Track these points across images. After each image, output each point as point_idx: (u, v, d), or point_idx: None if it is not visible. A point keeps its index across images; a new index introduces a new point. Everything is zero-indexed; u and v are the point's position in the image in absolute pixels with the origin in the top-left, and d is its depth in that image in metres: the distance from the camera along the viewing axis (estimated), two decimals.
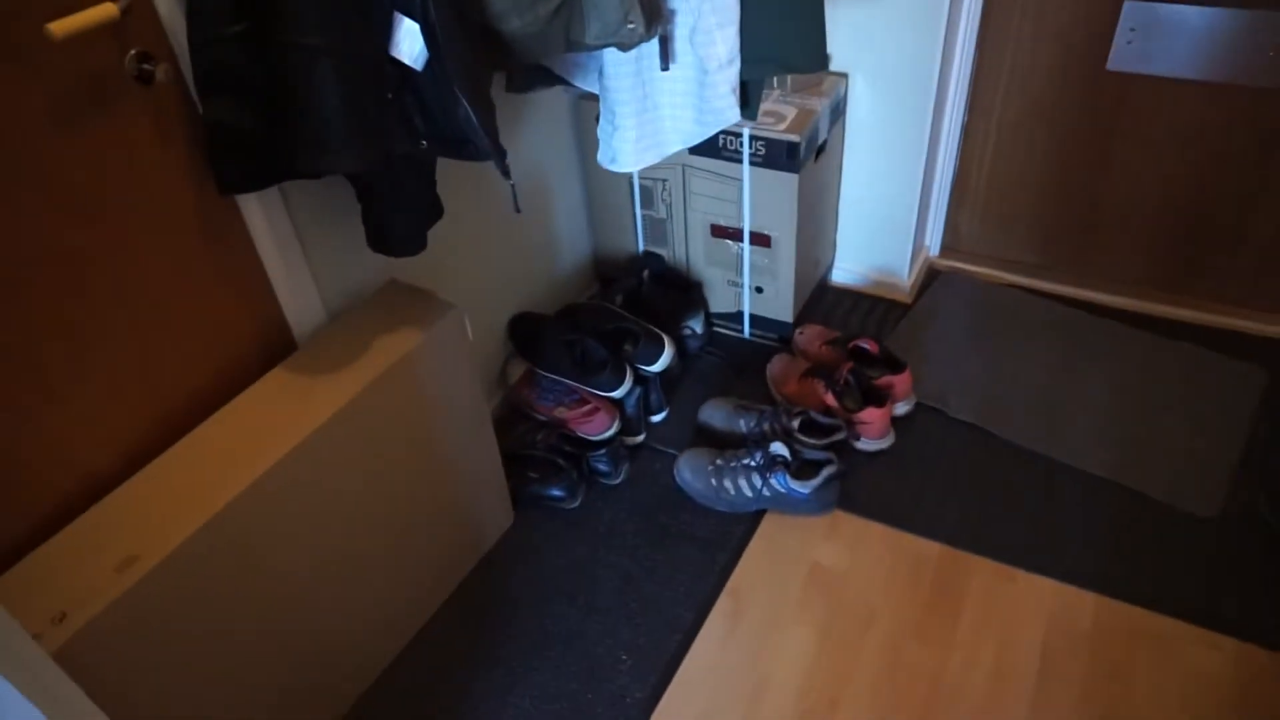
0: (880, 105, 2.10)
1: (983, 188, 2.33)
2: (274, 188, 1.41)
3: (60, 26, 1.06)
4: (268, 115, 1.24)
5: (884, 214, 2.28)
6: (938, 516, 1.87)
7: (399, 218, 1.42)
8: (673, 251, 2.28)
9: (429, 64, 1.24)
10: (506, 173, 1.32)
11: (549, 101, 2.08)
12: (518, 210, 1.45)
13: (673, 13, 1.47)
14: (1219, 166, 2.05)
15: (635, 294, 2.25)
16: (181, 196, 1.31)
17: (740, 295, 2.26)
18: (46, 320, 1.19)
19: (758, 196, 2.03)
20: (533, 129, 2.04)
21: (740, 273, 2.21)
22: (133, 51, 1.20)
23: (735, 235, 2.14)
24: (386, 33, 1.22)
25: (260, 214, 1.41)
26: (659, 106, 1.59)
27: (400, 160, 1.34)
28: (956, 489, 1.92)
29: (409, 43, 1.22)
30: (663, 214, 2.22)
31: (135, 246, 1.27)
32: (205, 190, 1.34)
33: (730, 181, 2.04)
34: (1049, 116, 2.14)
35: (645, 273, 2.27)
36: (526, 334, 2.12)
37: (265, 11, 1.16)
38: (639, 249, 2.33)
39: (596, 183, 2.27)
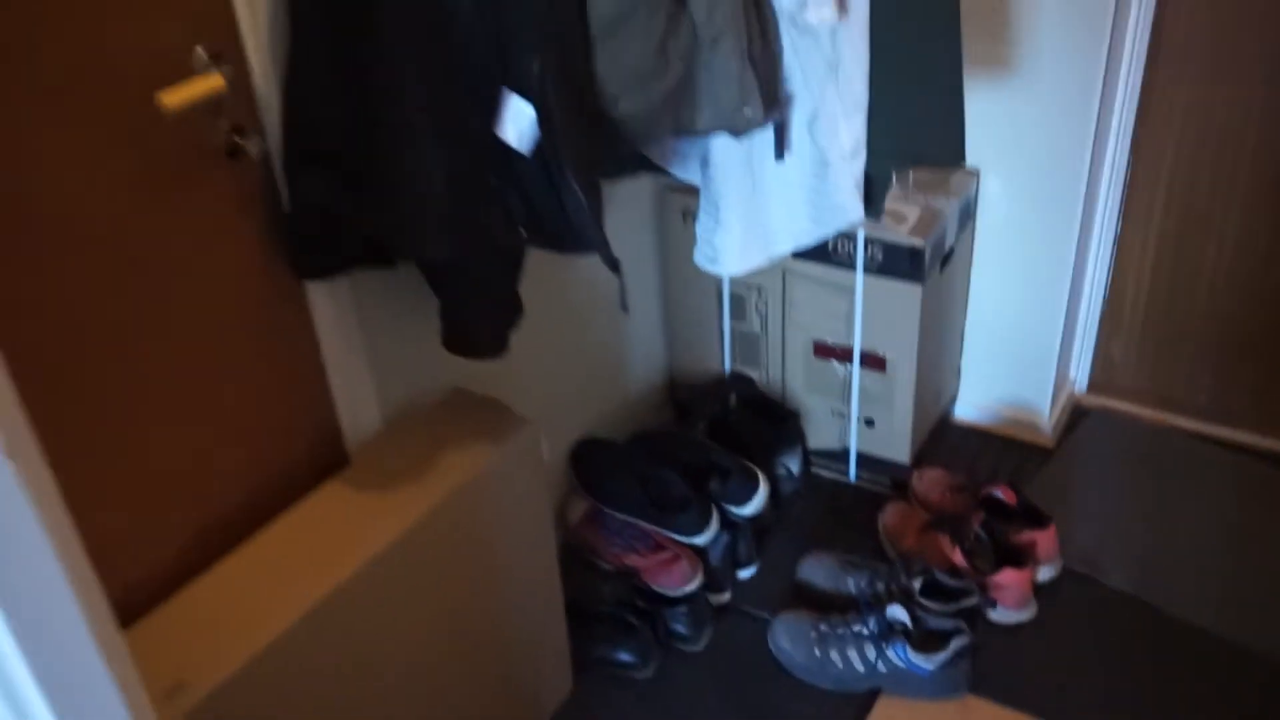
0: (1018, 208, 2.34)
1: (1140, 311, 2.54)
2: (345, 276, 1.66)
3: (172, 98, 1.33)
4: (358, 196, 1.49)
5: (1021, 338, 2.48)
6: (1088, 707, 1.97)
7: (482, 315, 1.64)
8: (766, 374, 2.49)
9: (537, 148, 1.49)
10: (615, 266, 1.56)
11: (628, 192, 2.34)
12: (625, 309, 1.67)
13: (791, 97, 1.74)
14: None
15: (720, 423, 2.45)
16: (250, 280, 1.55)
17: (846, 429, 2.45)
18: (91, 401, 1.41)
19: (872, 310, 2.25)
20: (607, 222, 2.29)
21: (847, 401, 2.41)
22: (226, 124, 1.47)
23: (843, 356, 2.35)
24: (493, 112, 1.48)
25: (328, 303, 1.64)
26: (769, 201, 1.84)
27: (492, 251, 1.58)
28: (1111, 674, 2.03)
29: (518, 124, 1.48)
30: (756, 328, 2.44)
31: (193, 326, 1.50)
32: (275, 275, 1.58)
33: (840, 291, 2.27)
34: (1218, 228, 2.37)
35: (732, 398, 2.47)
36: (591, 464, 2.31)
37: (366, 86, 1.43)
38: (725, 369, 2.55)
39: (678, 288, 2.51)
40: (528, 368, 2.14)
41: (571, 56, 1.44)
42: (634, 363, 2.50)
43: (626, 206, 2.35)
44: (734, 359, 2.52)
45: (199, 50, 1.40)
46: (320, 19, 1.40)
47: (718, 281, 2.43)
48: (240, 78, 1.47)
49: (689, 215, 2.32)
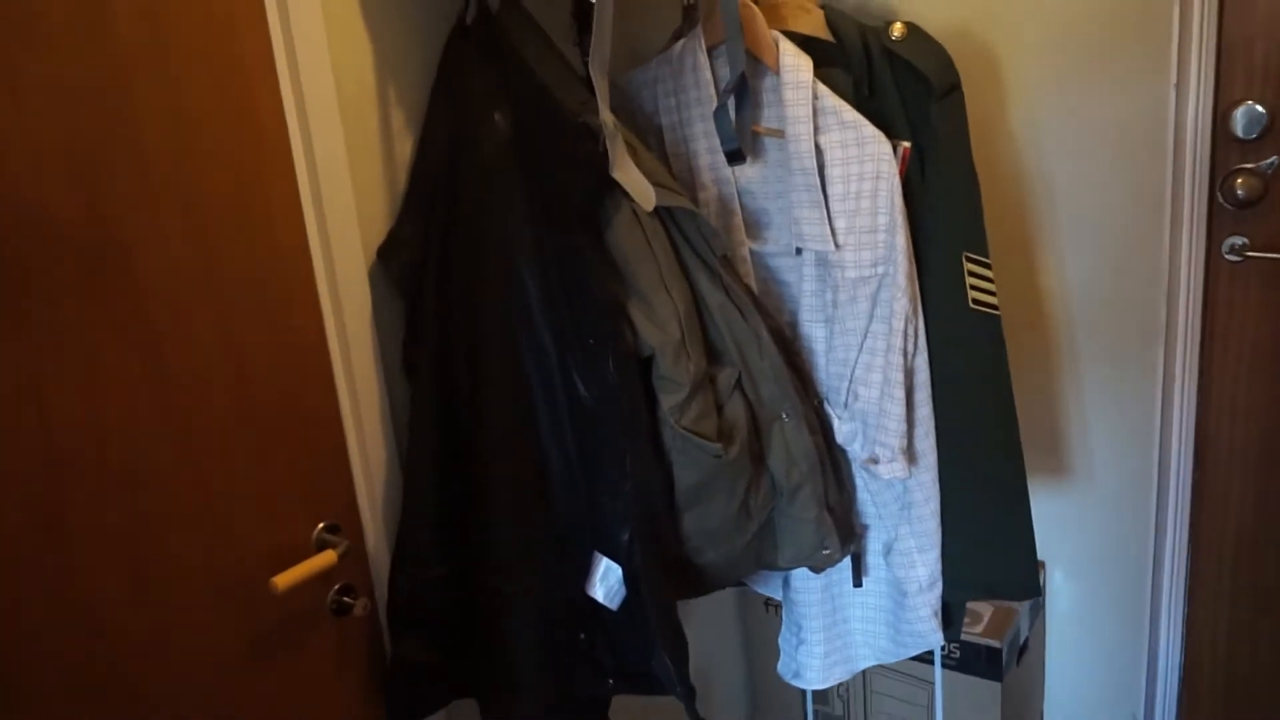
0: (1084, 598, 2.04)
1: (1220, 688, 2.14)
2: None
3: (284, 580, 1.17)
4: (454, 651, 1.29)
5: (1098, 714, 2.10)
6: None
7: None
8: None
9: (625, 604, 1.28)
10: (696, 717, 1.30)
11: None
12: None
13: (866, 529, 1.52)
14: None
15: None
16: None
17: None
18: None
19: (953, 704, 1.92)
20: (693, 605, 2.05)
21: None
22: (336, 586, 1.30)
23: None
24: (584, 571, 1.29)
25: None
26: (849, 621, 1.58)
27: (579, 703, 1.35)
28: None
29: (607, 582, 1.28)
30: (839, 711, 2.11)
31: None
32: (374, 716, 1.36)
33: (921, 684, 1.95)
34: None
35: None
36: None
37: (469, 556, 1.26)
38: None
39: (763, 671, 2.21)
40: None
41: (657, 522, 1.26)
42: None
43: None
44: None
45: (319, 529, 1.26)
46: (433, 493, 1.26)
47: None
48: (354, 543, 1.31)
49: (771, 605, 2.06)
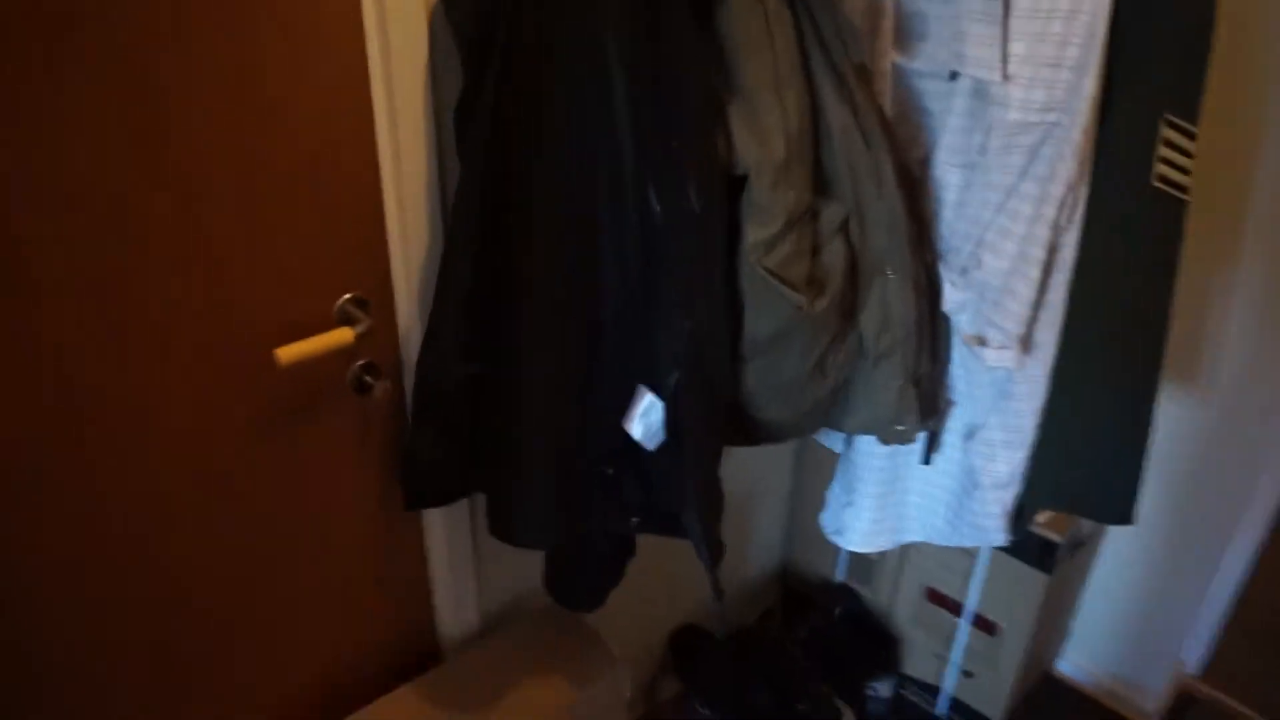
0: (1164, 514, 1.81)
1: (1261, 637, 1.94)
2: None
3: (288, 354, 1.01)
4: (467, 466, 1.14)
5: (1142, 617, 1.93)
6: None
7: (583, 578, 1.27)
8: (875, 594, 2.02)
9: (663, 446, 1.10)
10: (718, 589, 1.14)
11: None
12: (718, 598, 1.24)
13: (950, 406, 1.29)
14: None
15: (820, 631, 2.00)
16: (365, 502, 1.23)
17: (944, 671, 1.95)
18: (226, 587, 1.11)
19: (994, 582, 1.76)
20: None
21: (950, 649, 1.91)
22: (360, 363, 1.14)
23: (955, 609, 1.86)
24: (622, 401, 1.10)
25: (442, 523, 1.30)
26: (907, 493, 1.39)
27: (599, 538, 1.21)
28: None
29: (647, 420, 1.09)
30: (874, 556, 1.98)
31: (306, 544, 1.18)
32: (391, 498, 1.25)
33: (963, 554, 1.79)
34: None
35: (838, 611, 2.02)
36: (689, 652, 1.91)
37: (499, 355, 1.08)
38: (836, 577, 2.09)
39: (808, 488, 2.07)
40: (640, 549, 1.76)
41: (714, 370, 1.05)
42: (753, 550, 2.08)
43: None
44: (848, 571, 2.06)
45: (344, 300, 1.08)
46: (469, 281, 1.05)
47: None
48: (385, 319, 1.14)
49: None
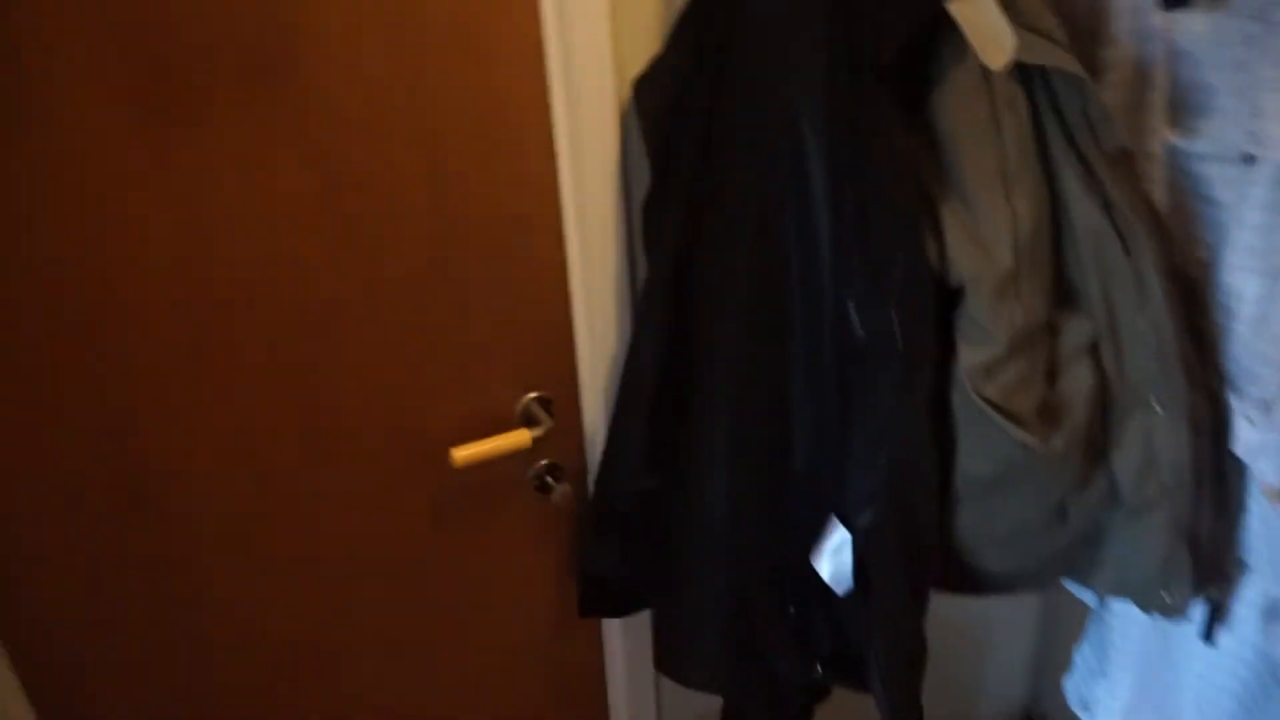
0: None
1: None
2: None
3: (464, 454, 0.97)
4: (644, 574, 1.03)
5: None
6: None
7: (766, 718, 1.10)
8: None
9: (854, 593, 0.93)
10: None
11: None
12: None
13: (1243, 570, 0.99)
14: None
15: None
16: (543, 601, 1.16)
17: None
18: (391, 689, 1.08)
19: None
20: None
21: None
22: (543, 463, 1.08)
23: None
24: (811, 534, 0.95)
25: (621, 633, 1.20)
26: (1179, 675, 1.09)
27: (777, 683, 1.04)
28: None
29: (838, 558, 0.93)
30: None
31: (480, 638, 1.13)
32: (569, 600, 1.17)
33: None
34: None
35: None
36: None
37: (678, 477, 0.96)
38: None
39: (1053, 655, 1.74)
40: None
41: (915, 509, 0.86)
42: (986, 683, 1.77)
43: None
44: None
45: (527, 399, 1.03)
46: (652, 392, 0.96)
47: None
48: (570, 420, 1.07)
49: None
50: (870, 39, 0.76)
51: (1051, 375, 0.85)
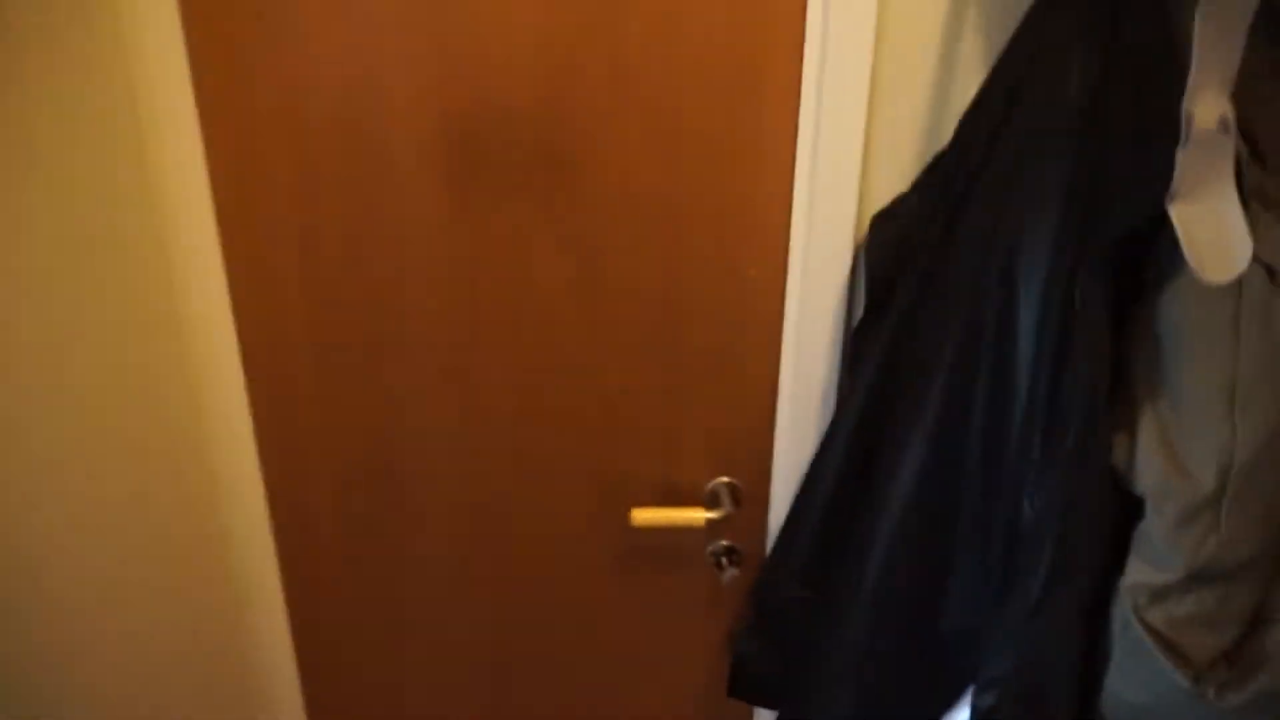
0: None
1: None
2: None
3: (642, 516, 1.05)
4: (793, 676, 1.04)
5: None
6: None
7: None
8: None
9: None
10: None
11: None
12: None
13: None
14: None
15: None
16: (699, 670, 1.20)
17: None
18: None
19: None
20: None
21: None
22: (722, 543, 1.13)
23: None
24: (936, 699, 0.90)
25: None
26: None
27: None
28: None
29: None
30: None
31: (629, 681, 1.21)
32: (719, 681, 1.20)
33: None
34: None
35: None
36: None
37: (829, 601, 0.96)
38: None
39: None
40: None
41: (1038, 708, 0.79)
42: None
43: None
44: None
45: (717, 481, 1.09)
46: (820, 511, 0.98)
47: None
48: (757, 512, 1.11)
49: None
50: (1098, 229, 0.72)
51: (1254, 622, 0.73)
